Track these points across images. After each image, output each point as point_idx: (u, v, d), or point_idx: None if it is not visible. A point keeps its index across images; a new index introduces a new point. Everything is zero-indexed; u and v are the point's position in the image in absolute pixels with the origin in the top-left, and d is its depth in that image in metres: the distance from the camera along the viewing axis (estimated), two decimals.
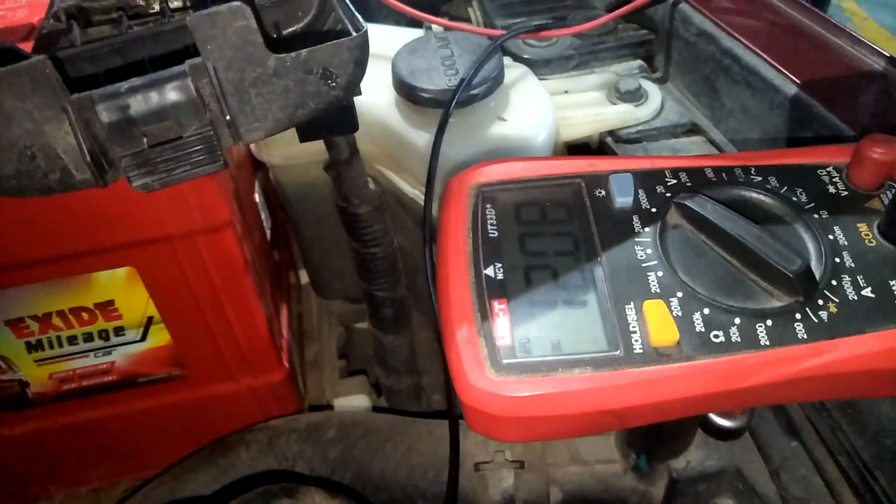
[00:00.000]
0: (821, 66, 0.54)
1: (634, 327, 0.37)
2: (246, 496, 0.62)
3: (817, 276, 0.37)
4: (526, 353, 0.37)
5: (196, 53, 0.33)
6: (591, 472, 0.62)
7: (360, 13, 0.38)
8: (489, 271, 0.40)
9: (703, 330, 0.36)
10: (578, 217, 0.43)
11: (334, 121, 0.49)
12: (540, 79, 0.67)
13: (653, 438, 0.57)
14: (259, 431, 0.72)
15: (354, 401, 0.87)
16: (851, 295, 0.37)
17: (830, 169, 0.43)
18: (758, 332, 0.36)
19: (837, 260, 0.38)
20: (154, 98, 0.33)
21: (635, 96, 0.66)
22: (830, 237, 0.39)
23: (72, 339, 0.66)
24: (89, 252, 0.60)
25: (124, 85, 0.33)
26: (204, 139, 0.34)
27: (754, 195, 0.42)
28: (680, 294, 0.38)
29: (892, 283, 0.37)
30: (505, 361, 0.36)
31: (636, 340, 0.36)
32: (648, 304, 0.37)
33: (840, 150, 0.44)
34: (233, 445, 0.71)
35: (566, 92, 0.68)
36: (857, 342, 0.36)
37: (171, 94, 0.33)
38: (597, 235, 0.41)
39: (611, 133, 0.65)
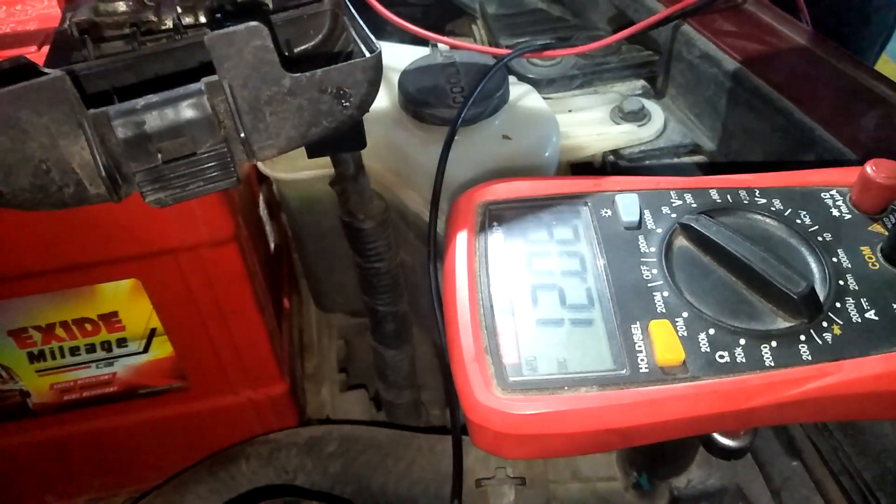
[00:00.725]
0: (824, 89, 0.55)
1: (640, 347, 0.37)
2: None
3: (821, 299, 0.38)
4: (532, 370, 0.37)
5: (208, 71, 0.34)
6: (593, 490, 0.62)
7: None
8: (496, 289, 0.41)
9: (708, 350, 0.37)
10: (584, 236, 0.43)
11: (343, 138, 0.50)
12: (544, 98, 0.68)
13: (654, 457, 0.57)
14: (259, 444, 0.72)
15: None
16: (855, 317, 0.37)
17: (834, 192, 0.43)
18: (762, 352, 0.37)
19: (841, 282, 0.39)
20: (170, 115, 0.33)
21: (638, 116, 0.66)
22: (834, 260, 0.40)
23: (74, 350, 0.66)
24: (95, 264, 0.60)
25: (140, 101, 0.33)
26: (218, 156, 0.34)
27: (759, 217, 0.43)
28: (685, 314, 0.38)
29: (895, 305, 0.38)
30: (511, 379, 0.37)
31: (642, 360, 0.37)
32: (654, 324, 0.38)
33: (844, 173, 0.44)
34: (233, 458, 0.70)
35: (570, 111, 0.69)
36: (860, 364, 0.36)
37: (187, 112, 0.33)
38: (603, 255, 0.42)
39: (614, 152, 0.66)
